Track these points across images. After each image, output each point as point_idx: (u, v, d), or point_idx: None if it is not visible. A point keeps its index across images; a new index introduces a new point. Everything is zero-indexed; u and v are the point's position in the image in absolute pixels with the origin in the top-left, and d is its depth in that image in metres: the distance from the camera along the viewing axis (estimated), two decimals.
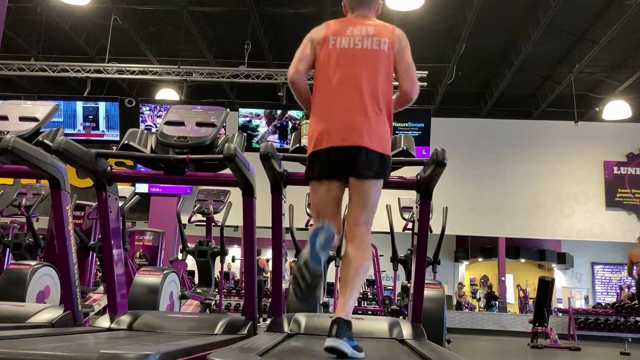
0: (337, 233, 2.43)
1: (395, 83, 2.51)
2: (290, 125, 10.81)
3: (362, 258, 2.33)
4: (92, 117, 10.79)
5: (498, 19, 10.12)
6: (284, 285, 3.89)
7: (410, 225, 6.25)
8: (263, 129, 10.84)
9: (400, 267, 6.06)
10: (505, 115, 13.62)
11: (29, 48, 11.21)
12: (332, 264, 5.72)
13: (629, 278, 12.29)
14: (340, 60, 2.41)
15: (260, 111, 10.93)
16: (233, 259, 12.19)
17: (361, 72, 2.38)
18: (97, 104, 10.82)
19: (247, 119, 10.87)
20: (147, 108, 10.92)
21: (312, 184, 2.44)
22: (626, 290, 12.38)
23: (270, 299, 9.34)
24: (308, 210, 6.37)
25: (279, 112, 10.87)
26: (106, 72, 10.62)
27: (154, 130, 10.04)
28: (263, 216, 3.15)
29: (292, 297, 3.96)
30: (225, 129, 9.40)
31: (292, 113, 10.83)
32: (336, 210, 2.43)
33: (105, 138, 10.84)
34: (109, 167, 3.03)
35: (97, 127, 10.80)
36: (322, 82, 2.43)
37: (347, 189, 2.44)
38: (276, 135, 10.82)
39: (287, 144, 10.23)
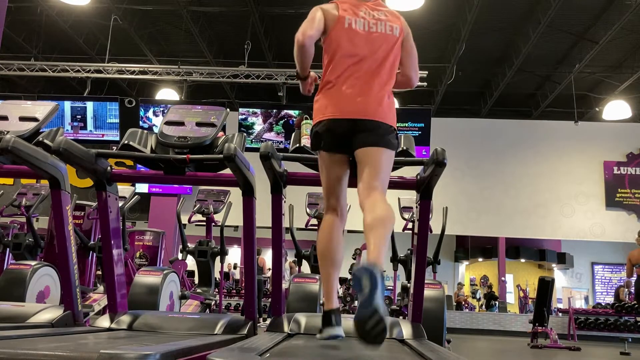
0: (341, 218, 2.47)
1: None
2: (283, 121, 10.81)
3: (387, 207, 2.23)
4: (80, 116, 10.75)
5: (498, 19, 10.12)
6: (284, 285, 3.89)
7: (410, 225, 6.25)
8: (259, 126, 10.84)
9: (400, 267, 6.06)
10: (505, 115, 13.62)
11: (29, 48, 11.21)
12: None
13: (629, 279, 12.28)
14: (356, 42, 2.45)
15: (257, 109, 10.93)
16: (235, 266, 12.27)
17: (375, 55, 2.45)
18: (84, 103, 10.75)
19: (244, 116, 10.87)
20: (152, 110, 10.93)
21: (322, 153, 2.47)
22: (625, 290, 12.37)
23: (270, 299, 9.33)
24: (308, 210, 6.38)
25: (274, 110, 10.87)
26: (106, 72, 10.63)
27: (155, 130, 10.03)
28: (263, 216, 3.15)
29: (293, 297, 3.96)
30: (225, 129, 9.38)
31: (290, 111, 10.84)
32: (344, 188, 2.48)
33: (104, 138, 10.83)
34: (109, 167, 3.03)
35: (85, 127, 10.77)
36: (335, 60, 2.46)
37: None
38: (272, 133, 10.82)
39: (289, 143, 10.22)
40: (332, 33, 2.48)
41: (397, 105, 11.67)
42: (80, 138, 10.55)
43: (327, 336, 2.22)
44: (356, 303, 8.17)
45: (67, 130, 10.66)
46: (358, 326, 1.85)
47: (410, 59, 2.58)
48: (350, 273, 7.73)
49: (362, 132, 2.35)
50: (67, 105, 10.73)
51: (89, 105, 10.74)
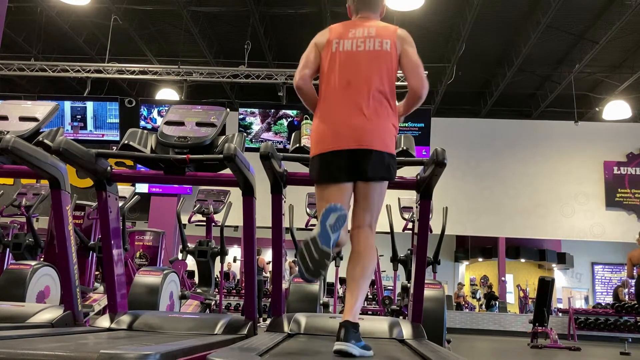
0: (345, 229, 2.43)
1: (405, 83, 2.51)
2: (285, 122, 10.81)
3: (367, 260, 2.34)
4: (80, 116, 10.77)
5: (498, 19, 10.12)
6: (284, 285, 3.89)
7: (410, 225, 6.25)
8: (257, 126, 10.84)
9: (400, 267, 6.05)
10: (505, 115, 13.62)
11: (29, 48, 11.21)
12: (332, 264, 5.71)
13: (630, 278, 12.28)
14: (343, 63, 2.43)
15: (255, 109, 10.94)
16: (234, 260, 12.22)
17: (364, 74, 2.40)
18: (84, 103, 10.78)
19: (242, 116, 10.87)
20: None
21: (319, 186, 2.44)
22: (624, 290, 12.38)
23: (270, 299, 9.34)
24: (308, 210, 6.38)
25: (272, 110, 10.88)
26: (106, 72, 10.63)
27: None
28: (263, 216, 3.15)
29: (293, 297, 3.96)
30: (225, 129, 9.39)
31: (288, 111, 10.85)
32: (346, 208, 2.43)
33: (104, 138, 10.84)
34: (109, 167, 3.03)
35: (85, 127, 10.78)
36: (327, 86, 2.45)
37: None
38: (270, 133, 10.82)
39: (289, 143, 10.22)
40: (322, 61, 2.49)
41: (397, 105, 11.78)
42: (80, 138, 10.58)
43: (334, 350, 2.10)
44: None
45: (67, 130, 10.67)
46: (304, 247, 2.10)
47: (409, 67, 2.46)
48: None
49: (359, 165, 2.33)
50: (67, 105, 10.75)
51: (89, 105, 10.75)
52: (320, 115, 2.45)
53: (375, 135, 2.34)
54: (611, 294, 14.07)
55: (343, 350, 2.03)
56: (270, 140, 10.48)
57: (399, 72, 2.49)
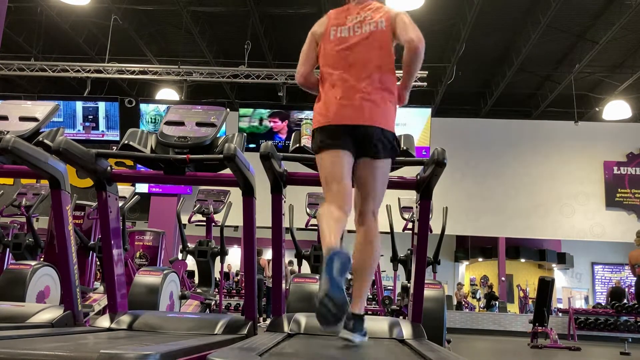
0: (346, 209, 2.38)
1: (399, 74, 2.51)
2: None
3: (374, 251, 2.41)
4: (92, 117, 10.81)
5: (498, 19, 10.12)
6: (284, 286, 3.88)
7: (410, 225, 6.25)
8: None
9: (400, 267, 6.05)
10: (505, 115, 13.62)
11: (29, 48, 11.22)
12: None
13: (630, 278, 12.31)
14: (342, 49, 2.49)
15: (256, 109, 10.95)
16: (237, 274, 12.26)
17: (363, 56, 2.45)
18: (96, 104, 10.85)
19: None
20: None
21: (321, 153, 2.44)
22: (627, 292, 12.42)
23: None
24: (308, 210, 6.38)
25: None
26: (106, 72, 10.63)
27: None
28: (263, 216, 3.15)
29: (293, 297, 3.96)
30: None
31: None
32: (347, 176, 2.40)
33: (105, 138, 10.86)
34: (109, 167, 3.02)
35: (97, 127, 10.82)
36: (328, 70, 2.51)
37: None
38: None
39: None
40: (321, 49, 2.57)
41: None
42: (92, 138, 10.68)
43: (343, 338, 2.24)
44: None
45: (79, 130, 10.77)
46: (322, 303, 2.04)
47: (403, 27, 2.43)
48: (350, 273, 7.72)
49: (359, 140, 2.37)
50: (79, 105, 10.88)
51: (101, 106, 10.84)
52: (322, 97, 2.50)
53: (378, 114, 2.39)
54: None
55: (349, 339, 2.18)
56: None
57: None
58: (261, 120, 11.00)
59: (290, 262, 11.29)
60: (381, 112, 2.40)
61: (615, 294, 12.62)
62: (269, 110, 11.07)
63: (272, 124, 11.04)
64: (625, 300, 12.00)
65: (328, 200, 2.41)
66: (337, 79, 2.45)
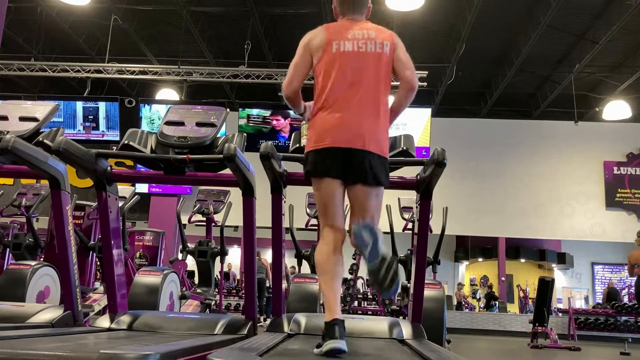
0: (340, 233, 2.43)
1: (395, 83, 2.52)
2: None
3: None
4: (92, 117, 10.81)
5: (498, 19, 10.11)
6: (284, 285, 3.89)
7: (410, 225, 6.25)
8: None
9: (400, 267, 6.05)
10: (505, 115, 13.62)
11: (29, 48, 11.21)
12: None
13: (630, 278, 12.31)
14: (346, 64, 2.43)
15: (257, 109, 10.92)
16: (238, 283, 12.25)
17: (366, 76, 2.42)
18: (97, 104, 10.85)
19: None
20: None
21: (315, 181, 2.43)
22: (625, 294, 12.45)
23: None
24: (308, 210, 6.38)
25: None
26: (106, 72, 10.63)
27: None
28: (263, 216, 3.15)
29: (293, 297, 3.96)
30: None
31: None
32: (341, 207, 2.44)
33: (105, 138, 10.87)
34: (109, 167, 3.02)
35: (97, 127, 10.83)
36: (327, 86, 2.42)
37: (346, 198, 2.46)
38: None
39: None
40: (321, 61, 2.45)
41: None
42: (92, 138, 10.68)
43: (329, 349, 2.07)
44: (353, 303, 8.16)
45: (79, 130, 10.78)
46: (372, 274, 2.15)
47: (402, 62, 2.50)
48: (350, 273, 7.73)
49: (354, 166, 2.33)
50: (79, 105, 10.87)
51: (102, 106, 10.84)
52: (319, 115, 2.43)
53: (373, 138, 2.36)
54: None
55: (341, 349, 2.07)
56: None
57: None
58: (264, 119, 11.00)
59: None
60: (378, 138, 2.38)
61: (611, 294, 12.68)
62: (270, 110, 11.07)
63: (274, 122, 11.04)
64: (622, 300, 12.02)
65: (324, 223, 2.46)
66: (337, 97, 2.39)
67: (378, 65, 2.43)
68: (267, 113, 11.03)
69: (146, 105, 11.34)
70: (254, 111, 11.07)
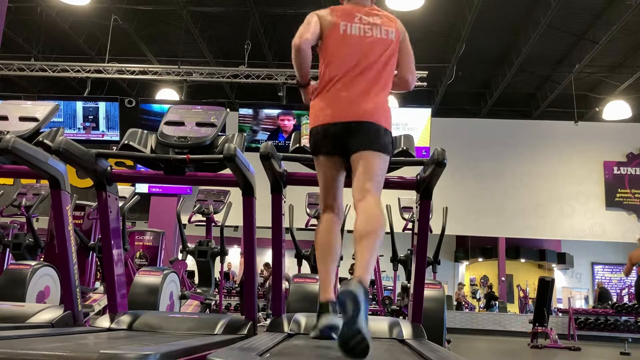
0: (339, 216, 2.47)
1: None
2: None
3: (377, 213, 2.24)
4: (92, 117, 10.81)
5: (498, 19, 10.12)
6: (284, 286, 3.89)
7: (410, 225, 6.25)
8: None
9: (400, 267, 6.05)
10: (505, 115, 13.62)
11: (29, 48, 11.21)
12: None
13: (627, 278, 12.33)
14: (352, 47, 2.47)
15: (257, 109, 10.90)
16: (240, 288, 12.22)
17: (371, 59, 2.45)
18: (97, 104, 10.85)
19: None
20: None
21: (316, 160, 2.47)
22: (626, 294, 12.45)
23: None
24: (308, 210, 6.38)
25: None
26: (106, 72, 10.63)
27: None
28: (263, 216, 3.15)
29: (293, 297, 3.96)
30: (225, 130, 9.42)
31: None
32: (340, 189, 2.47)
33: (105, 138, 10.87)
34: (109, 167, 3.02)
35: (97, 128, 10.83)
36: (331, 66, 2.46)
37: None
38: None
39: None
40: (327, 40, 2.50)
41: (396, 105, 11.77)
42: (90, 138, 10.68)
43: (324, 325, 2.02)
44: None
45: (79, 130, 10.78)
46: (342, 345, 1.91)
47: (407, 61, 2.58)
48: (350, 273, 7.73)
49: (357, 135, 2.35)
50: (79, 105, 10.85)
51: (102, 106, 10.84)
52: (323, 95, 2.46)
53: (375, 112, 2.38)
54: (612, 294, 14.08)
55: (334, 325, 2.00)
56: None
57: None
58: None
59: (267, 265, 11.35)
60: (384, 114, 2.42)
61: (602, 294, 12.70)
62: (279, 110, 11.04)
63: (280, 122, 11.02)
64: (612, 299, 12.06)
65: (323, 206, 2.48)
66: (344, 75, 2.42)
67: (381, 50, 2.47)
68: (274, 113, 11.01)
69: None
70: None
